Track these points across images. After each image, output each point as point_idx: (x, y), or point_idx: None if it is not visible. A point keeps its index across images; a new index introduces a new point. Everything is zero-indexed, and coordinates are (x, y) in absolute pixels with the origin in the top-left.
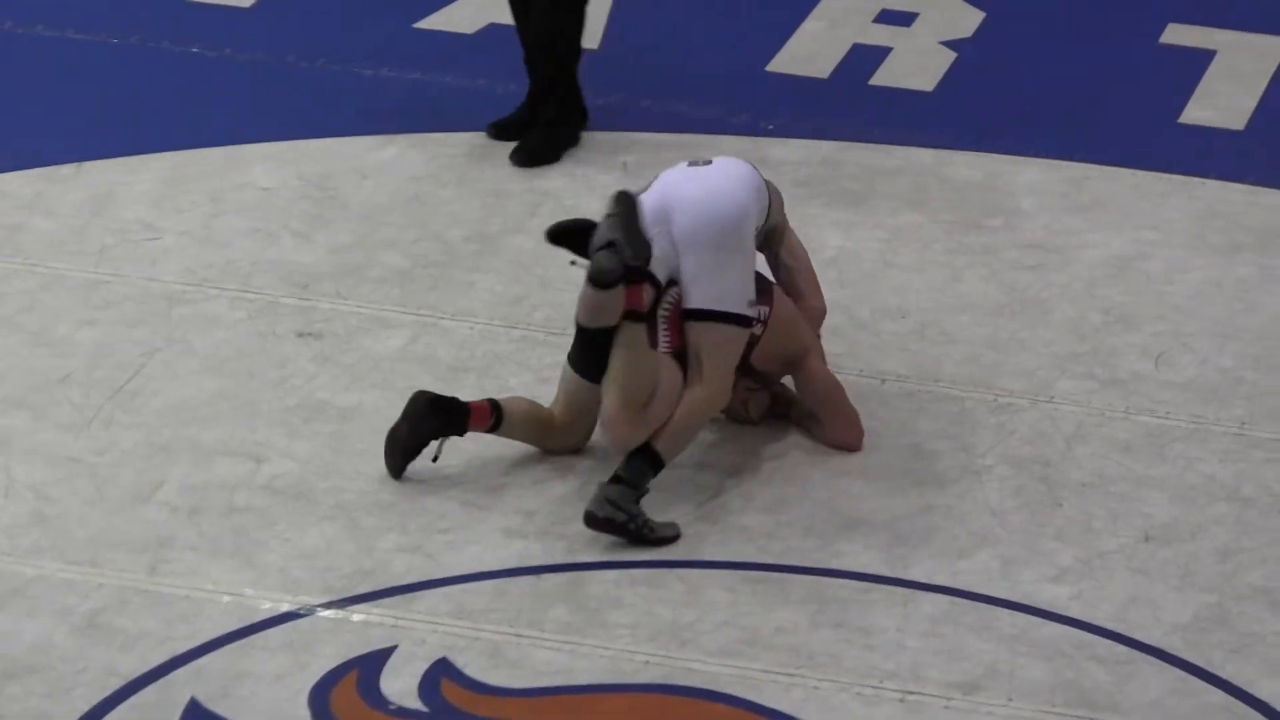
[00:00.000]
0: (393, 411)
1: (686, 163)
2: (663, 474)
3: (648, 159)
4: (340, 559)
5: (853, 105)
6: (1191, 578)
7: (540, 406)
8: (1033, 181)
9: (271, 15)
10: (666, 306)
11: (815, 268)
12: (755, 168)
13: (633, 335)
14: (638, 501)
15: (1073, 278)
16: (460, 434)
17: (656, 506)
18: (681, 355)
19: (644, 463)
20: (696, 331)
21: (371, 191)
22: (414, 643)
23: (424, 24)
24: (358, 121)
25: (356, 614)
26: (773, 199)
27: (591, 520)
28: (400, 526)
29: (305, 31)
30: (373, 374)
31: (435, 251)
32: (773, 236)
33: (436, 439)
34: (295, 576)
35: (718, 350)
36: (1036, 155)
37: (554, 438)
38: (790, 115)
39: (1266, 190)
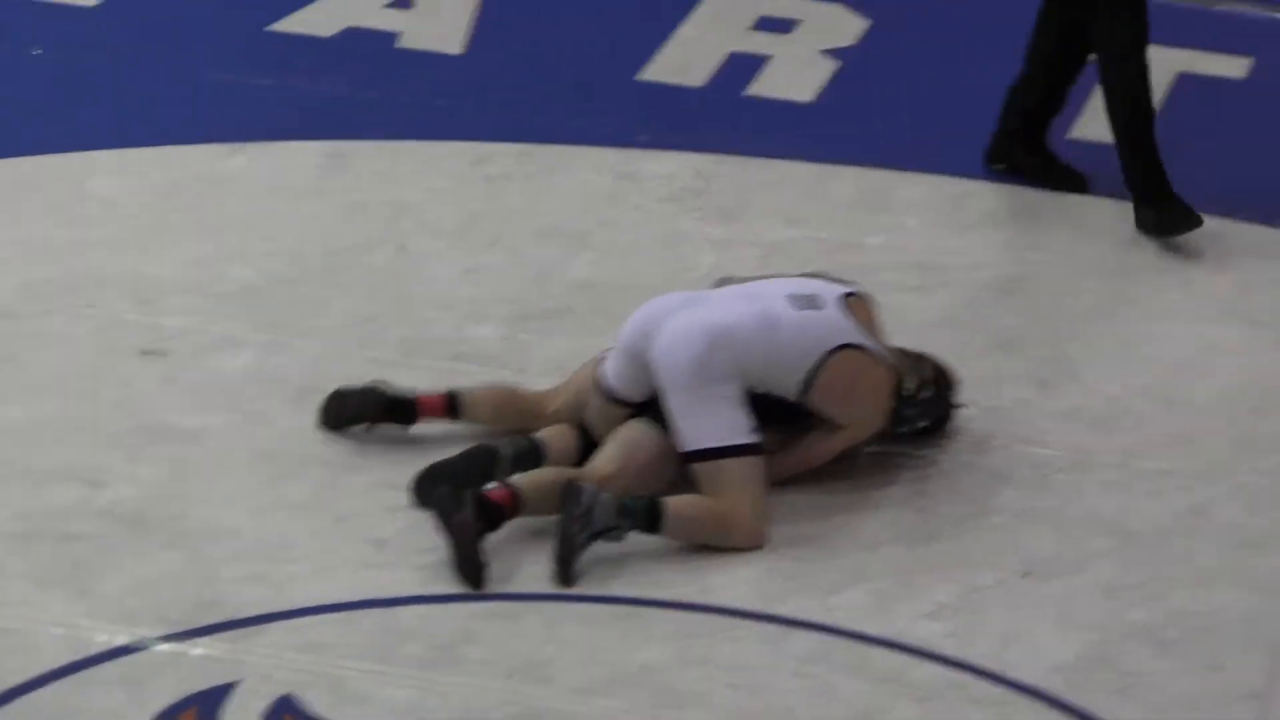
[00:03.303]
0: (239, 434)
1: (788, 293)
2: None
3: (511, 170)
4: (181, 589)
5: (728, 116)
6: (1073, 615)
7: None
8: (916, 198)
9: (117, 16)
10: None
11: (687, 285)
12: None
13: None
14: (605, 533)
15: (955, 299)
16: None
17: (516, 537)
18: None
19: (645, 512)
20: (703, 475)
21: (221, 202)
22: (257, 678)
23: (278, 26)
24: (207, 129)
25: (197, 647)
26: (821, 392)
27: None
28: (244, 556)
29: (153, 33)
30: (220, 395)
31: (287, 267)
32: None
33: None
34: (132, 607)
35: (735, 488)
36: (920, 170)
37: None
38: (662, 126)
39: None
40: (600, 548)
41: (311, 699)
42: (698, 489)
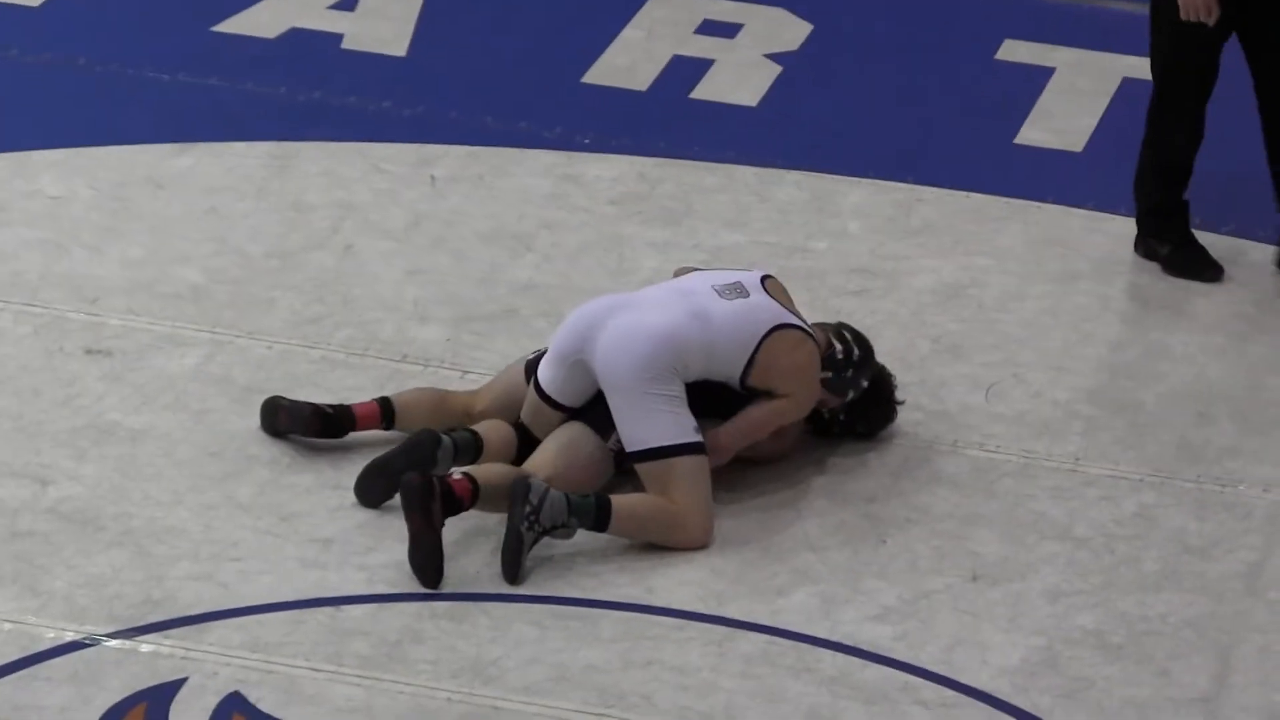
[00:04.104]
0: (184, 433)
1: (713, 285)
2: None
3: (456, 172)
4: (128, 587)
5: (672, 120)
6: (1020, 619)
7: (441, 394)
8: (860, 203)
9: (61, 15)
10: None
11: (630, 288)
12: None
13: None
14: (554, 530)
15: (900, 304)
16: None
17: (460, 535)
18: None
19: (593, 509)
20: (650, 475)
21: (166, 202)
22: (205, 675)
23: (222, 27)
24: (152, 129)
25: (145, 644)
26: (761, 372)
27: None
28: (191, 554)
29: (97, 33)
30: (165, 394)
31: (232, 266)
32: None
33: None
34: (81, 605)
35: (681, 487)
36: (865, 175)
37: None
38: (606, 129)
39: (1106, 216)
40: (545, 548)
41: (260, 696)
42: (644, 488)
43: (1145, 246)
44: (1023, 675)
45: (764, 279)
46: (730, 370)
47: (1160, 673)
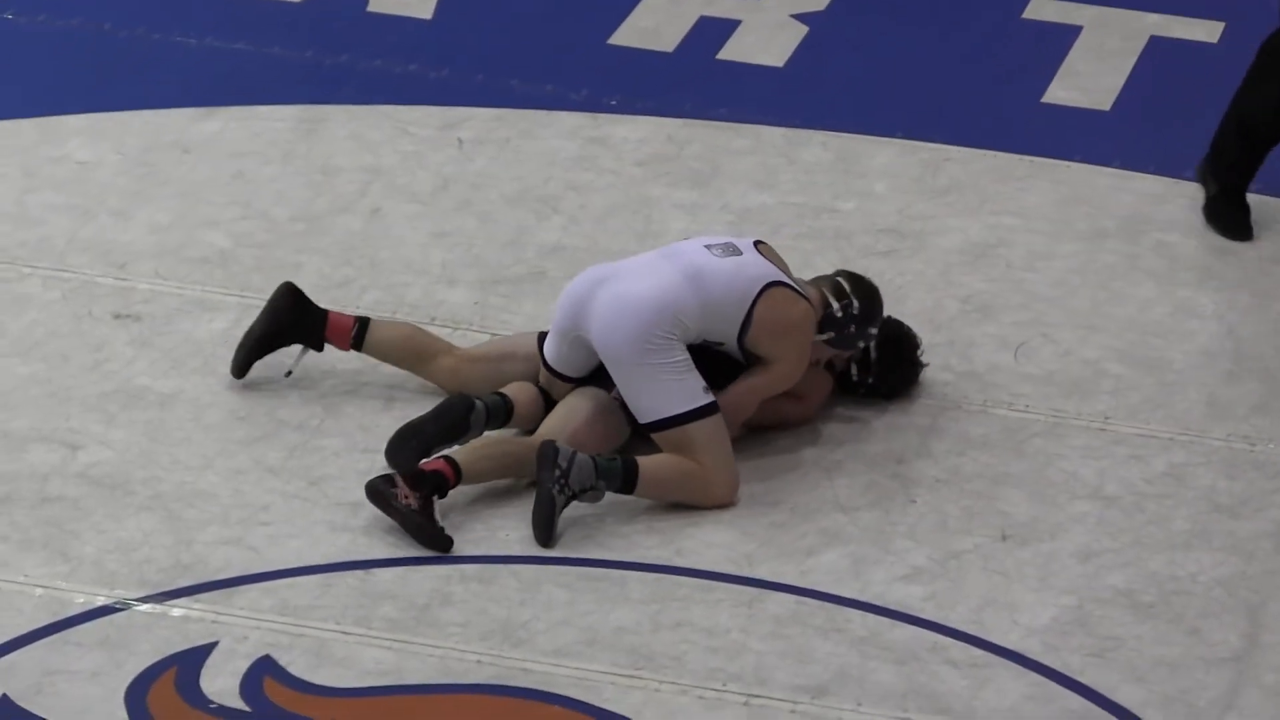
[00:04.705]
0: (213, 397)
1: (705, 244)
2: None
3: (483, 135)
4: (158, 551)
5: (699, 81)
6: (1050, 579)
7: (422, 332)
8: (887, 163)
9: None
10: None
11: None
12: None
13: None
14: (583, 494)
15: (928, 264)
16: (318, 348)
17: (488, 500)
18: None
19: (620, 472)
20: (667, 442)
21: (193, 167)
22: (235, 639)
23: None
24: (179, 93)
25: (175, 609)
26: (758, 330)
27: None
28: (221, 518)
29: None
30: (193, 358)
31: (260, 230)
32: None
33: (292, 339)
34: (111, 569)
35: (701, 450)
36: (891, 135)
37: (439, 371)
38: (632, 91)
39: (1133, 174)
40: (572, 510)
41: (290, 660)
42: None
43: (1202, 175)
44: (1053, 635)
45: (756, 243)
46: (728, 328)
47: (1191, 631)
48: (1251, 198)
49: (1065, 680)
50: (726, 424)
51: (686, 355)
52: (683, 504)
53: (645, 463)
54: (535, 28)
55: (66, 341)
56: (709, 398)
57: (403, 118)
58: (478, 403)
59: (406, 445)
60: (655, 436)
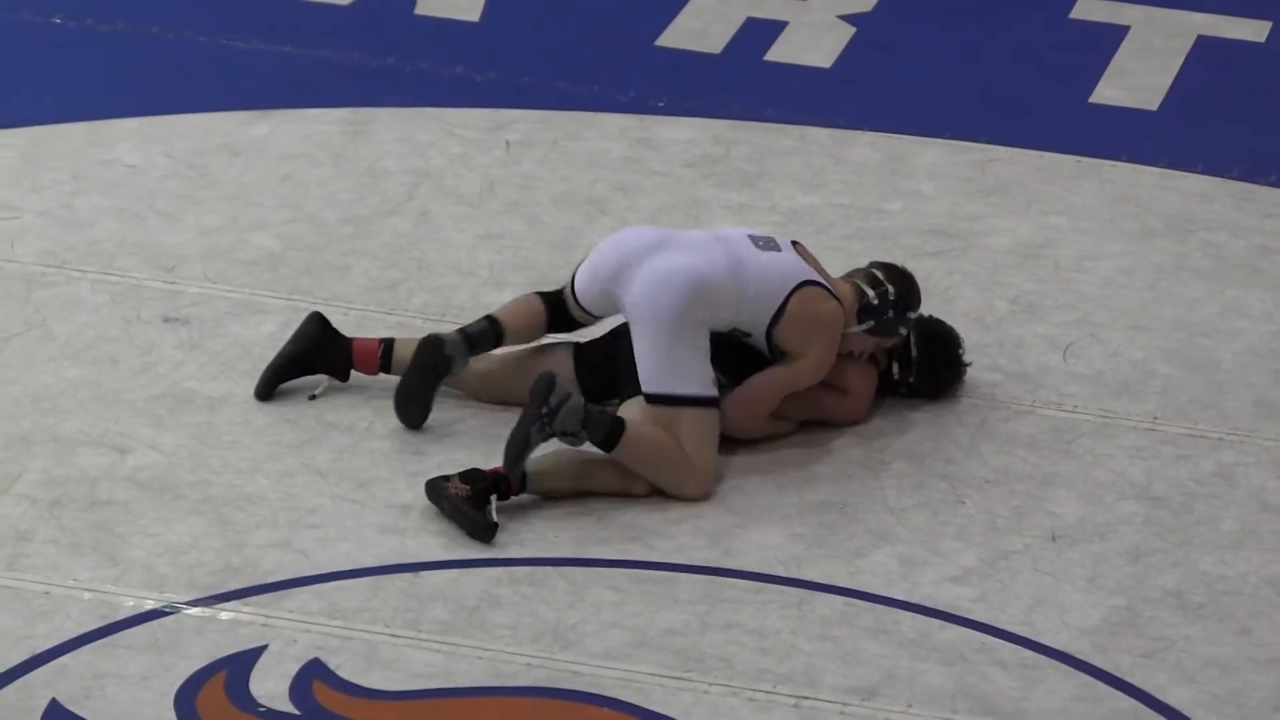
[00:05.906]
0: (262, 402)
1: (749, 234)
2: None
3: (531, 137)
4: (207, 555)
5: (746, 82)
6: (1100, 580)
7: None
8: (934, 163)
9: None
10: None
11: None
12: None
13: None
14: (563, 436)
15: (976, 265)
16: (342, 378)
17: (538, 503)
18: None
19: (606, 426)
20: (659, 416)
21: (242, 170)
22: (284, 642)
23: None
24: (228, 96)
25: (224, 612)
26: (788, 325)
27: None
28: (270, 521)
29: (173, 1)
30: (242, 362)
31: (308, 233)
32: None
33: (318, 368)
34: (160, 573)
35: (689, 438)
36: (939, 136)
37: (469, 378)
38: (680, 92)
39: (1180, 174)
40: (620, 510)
41: (339, 663)
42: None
43: None
44: (1103, 635)
45: (793, 243)
46: (760, 319)
47: (1241, 632)
48: None
49: (1115, 681)
50: (746, 413)
51: (708, 345)
52: (651, 489)
53: (634, 428)
54: (582, 29)
55: (115, 345)
56: (714, 392)
57: (450, 120)
58: (446, 338)
59: (407, 406)
60: (652, 408)
